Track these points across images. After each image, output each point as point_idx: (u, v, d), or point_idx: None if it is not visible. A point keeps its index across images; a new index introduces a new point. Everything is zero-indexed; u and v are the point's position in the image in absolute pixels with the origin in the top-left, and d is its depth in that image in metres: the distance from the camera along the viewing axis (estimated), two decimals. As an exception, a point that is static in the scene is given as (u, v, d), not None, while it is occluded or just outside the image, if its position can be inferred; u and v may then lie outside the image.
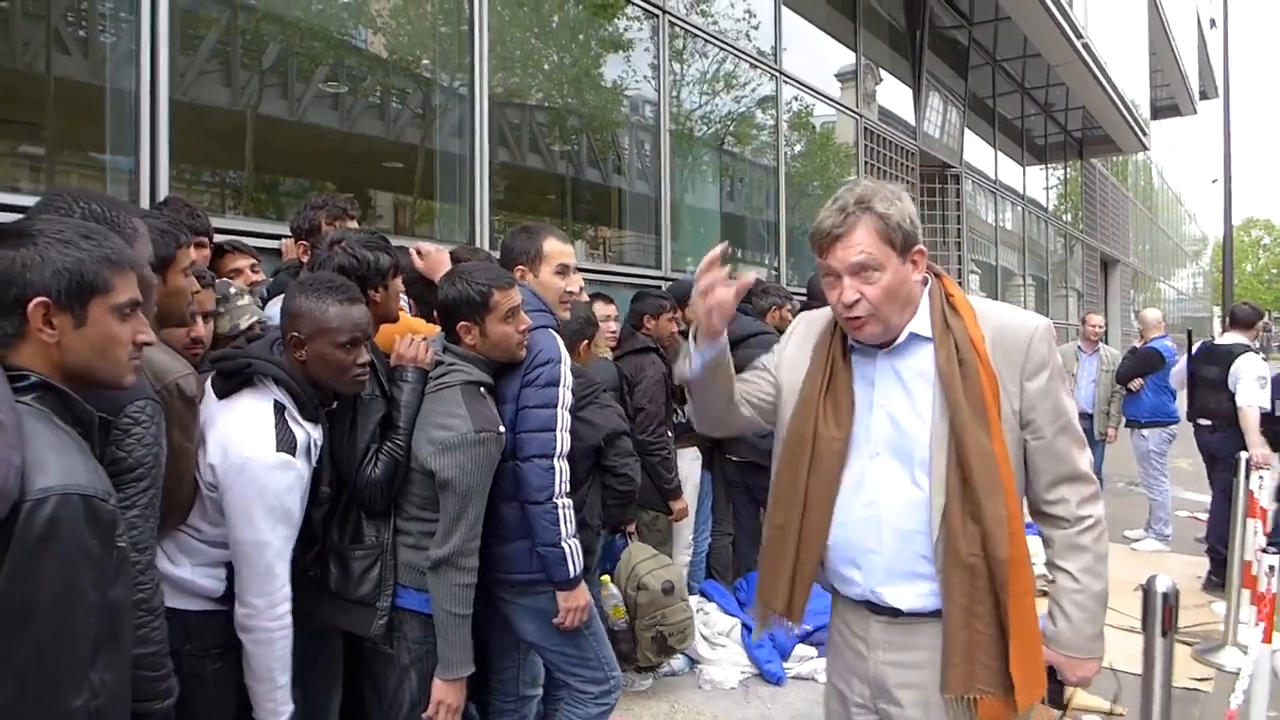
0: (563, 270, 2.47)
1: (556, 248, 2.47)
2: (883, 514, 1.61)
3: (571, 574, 2.22)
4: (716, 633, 4.26)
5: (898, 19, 9.36)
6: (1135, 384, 6.62)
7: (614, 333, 4.20)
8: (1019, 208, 13.56)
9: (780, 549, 1.68)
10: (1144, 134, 15.66)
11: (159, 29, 3.08)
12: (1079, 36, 10.65)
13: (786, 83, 7.22)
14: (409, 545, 2.11)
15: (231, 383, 1.88)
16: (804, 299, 5.45)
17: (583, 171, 5.54)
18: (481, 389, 2.16)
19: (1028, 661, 1.53)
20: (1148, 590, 1.94)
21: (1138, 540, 6.60)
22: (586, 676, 2.35)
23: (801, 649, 4.07)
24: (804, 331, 1.79)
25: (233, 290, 2.33)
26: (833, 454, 1.64)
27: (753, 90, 6.98)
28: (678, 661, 4.00)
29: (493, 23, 4.55)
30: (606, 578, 3.72)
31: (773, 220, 7.22)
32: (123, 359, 1.37)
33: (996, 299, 12.20)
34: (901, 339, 1.63)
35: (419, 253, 2.84)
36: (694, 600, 4.35)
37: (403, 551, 2.11)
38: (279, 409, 1.86)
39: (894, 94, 9.37)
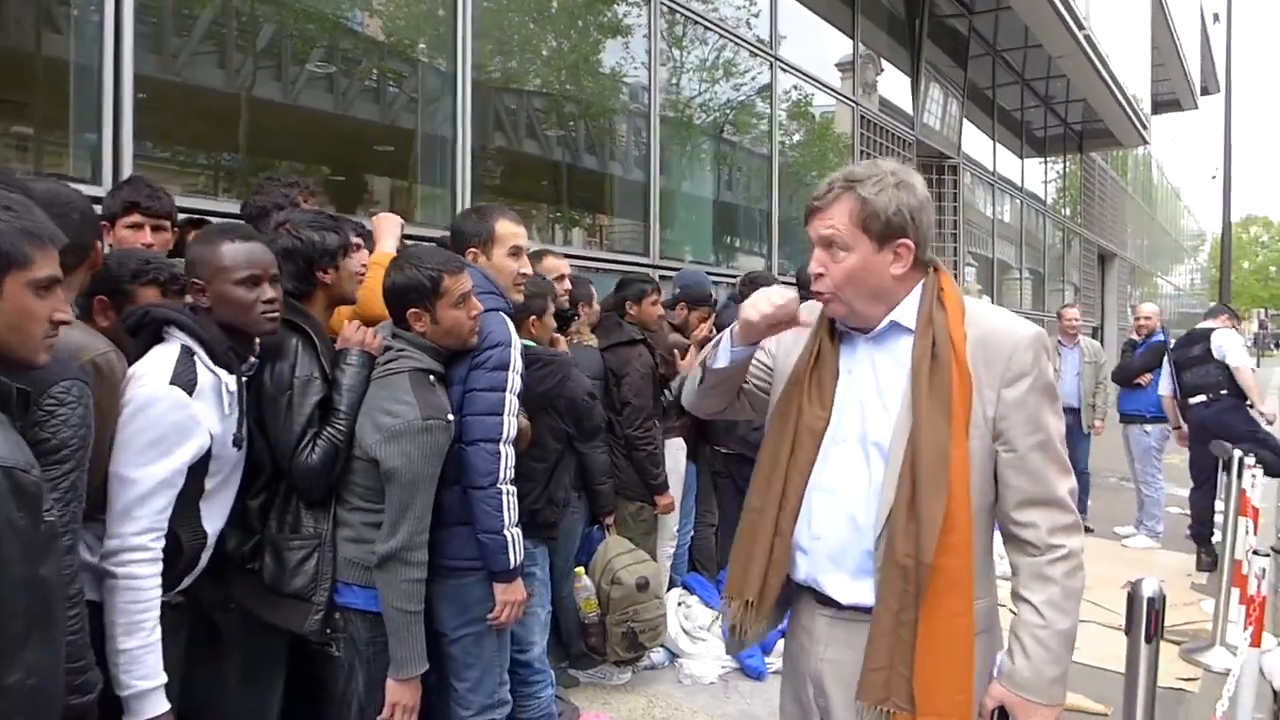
0: (515, 252, 2.43)
1: (509, 229, 2.42)
2: (838, 502, 1.56)
3: (512, 563, 2.15)
4: (698, 626, 4.19)
5: (897, 6, 9.23)
6: (1144, 379, 6.55)
7: (600, 316, 4.10)
8: (1017, 200, 13.46)
9: (754, 534, 1.63)
10: (1144, 128, 15.54)
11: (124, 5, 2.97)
12: (1080, 27, 10.52)
13: (783, 70, 7.10)
14: (350, 539, 2.02)
15: (141, 341, 1.82)
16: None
17: (572, 157, 5.43)
18: (431, 377, 2.07)
19: (938, 686, 1.44)
20: (1133, 594, 1.86)
21: (1128, 537, 6.53)
22: (474, 684, 2.19)
23: (783, 644, 4.00)
24: (804, 318, 1.73)
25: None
26: (812, 434, 1.59)
27: (748, 77, 6.86)
28: (657, 655, 3.95)
29: (477, 4, 4.43)
30: (580, 570, 3.67)
31: (766, 209, 7.11)
32: (37, 336, 1.33)
33: (992, 292, 12.33)
34: (882, 326, 1.57)
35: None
36: (675, 593, 4.30)
37: (344, 546, 2.02)
38: (186, 352, 1.81)
39: (892, 83, 9.25)
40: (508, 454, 2.16)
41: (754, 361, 1.75)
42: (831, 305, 1.57)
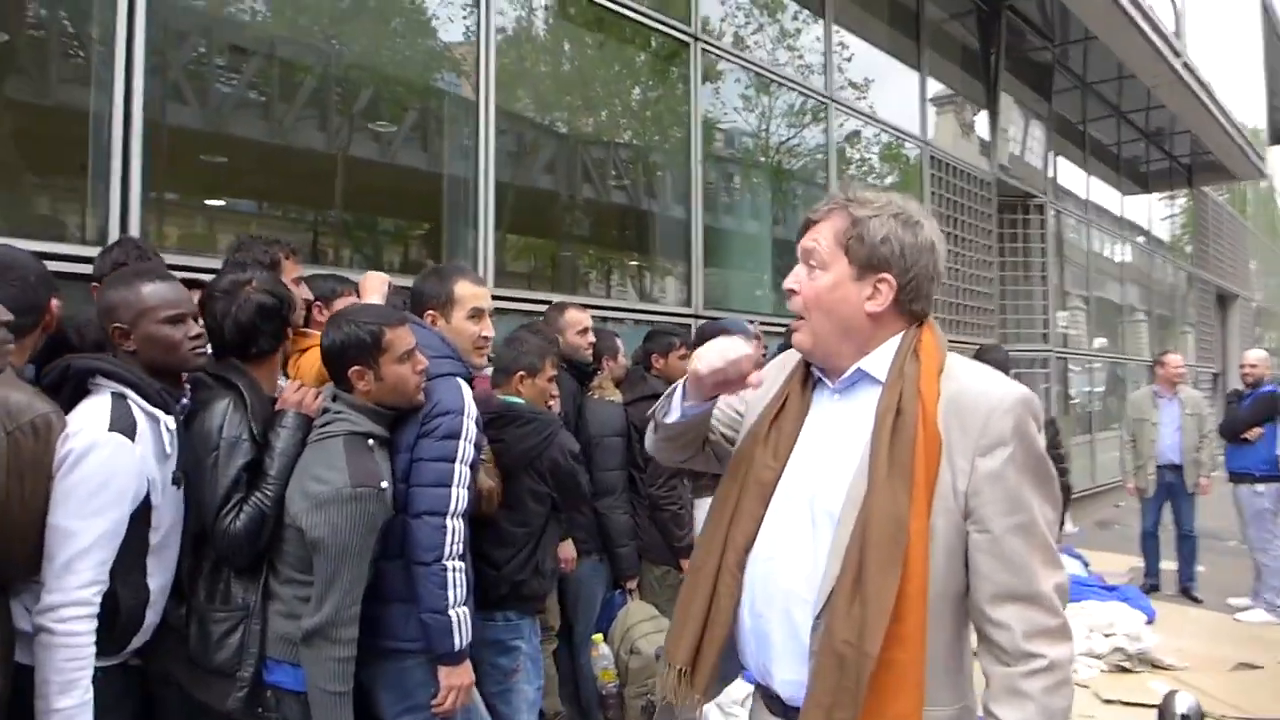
0: (476, 314, 2.33)
1: (469, 290, 2.33)
2: (776, 572, 1.35)
3: (457, 646, 1.99)
4: (730, 700, 3.89)
5: (970, 40, 8.87)
6: (1253, 433, 5.93)
7: (616, 364, 3.94)
8: (1122, 239, 12.67)
9: (691, 596, 1.43)
10: (1261, 159, 14.45)
11: (135, 52, 3.04)
12: (1177, 55, 9.88)
13: (838, 108, 6.87)
14: (281, 613, 1.90)
15: (66, 397, 1.78)
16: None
17: (616, 200, 5.35)
18: (370, 440, 1.95)
19: None
20: (1164, 709, 1.53)
21: (1243, 610, 5.83)
22: None
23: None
24: (783, 361, 1.59)
25: None
26: (761, 486, 1.40)
27: (800, 116, 6.67)
28: (684, 731, 3.66)
29: (501, 41, 4.42)
30: (599, 637, 3.48)
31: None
32: None
33: (1115, 334, 11.59)
34: (849, 375, 1.38)
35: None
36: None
37: (274, 620, 1.90)
38: (119, 398, 1.77)
39: (966, 120, 8.86)
40: (455, 528, 2.02)
41: (724, 409, 1.61)
42: (798, 333, 1.41)
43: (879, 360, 1.36)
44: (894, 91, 7.67)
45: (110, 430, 1.70)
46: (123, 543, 1.72)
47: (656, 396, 3.66)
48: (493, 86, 4.28)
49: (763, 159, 6.47)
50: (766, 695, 1.41)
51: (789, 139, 6.64)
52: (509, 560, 2.56)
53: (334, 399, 2.02)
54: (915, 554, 1.22)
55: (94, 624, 1.66)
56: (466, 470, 2.06)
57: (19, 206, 3.13)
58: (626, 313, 5.09)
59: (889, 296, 1.35)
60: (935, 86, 8.19)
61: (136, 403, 1.78)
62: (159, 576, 1.83)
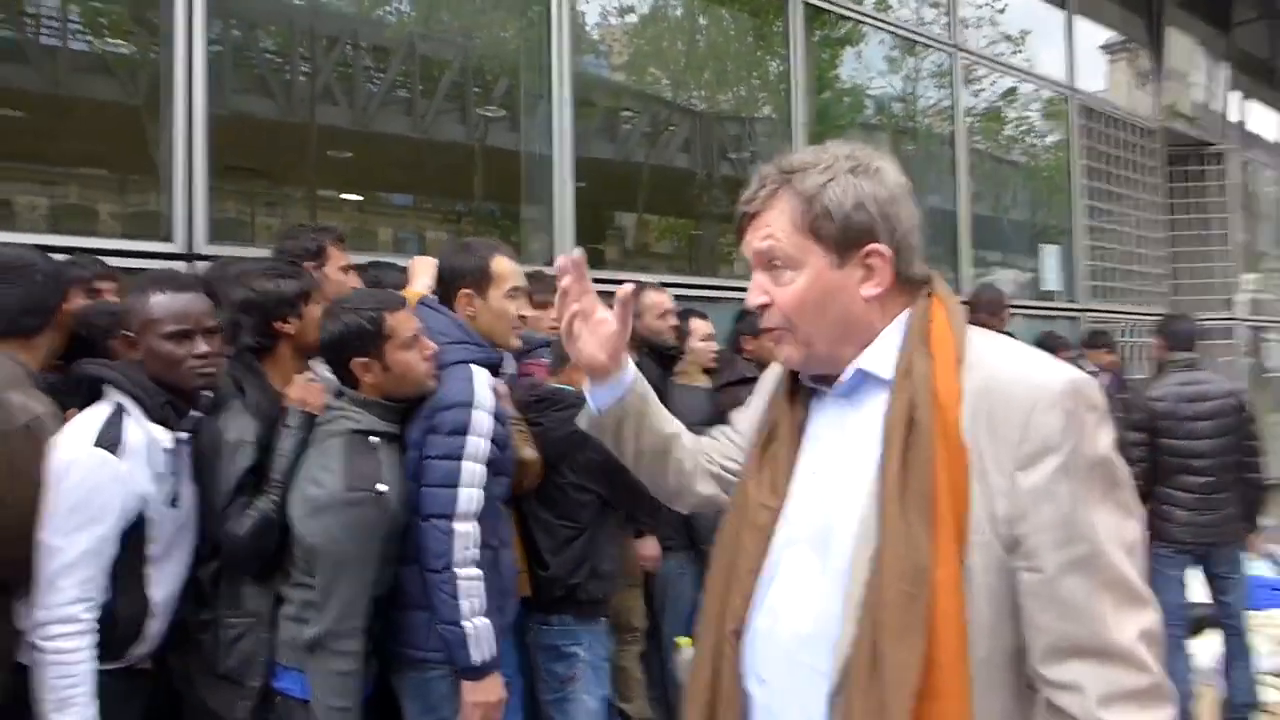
0: (514, 293, 2.12)
1: (508, 266, 2.12)
2: (779, 632, 1.07)
3: (475, 660, 1.84)
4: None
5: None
6: None
7: (716, 353, 3.70)
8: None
9: (695, 671, 1.17)
10: None
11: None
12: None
13: (965, 57, 6.23)
14: (290, 617, 1.82)
15: (82, 399, 1.75)
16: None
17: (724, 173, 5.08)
18: (373, 438, 1.83)
19: None
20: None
21: None
22: None
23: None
24: (779, 373, 1.30)
25: None
26: (757, 531, 1.13)
27: (920, 68, 6.10)
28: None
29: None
30: (685, 641, 3.24)
31: (951, 223, 6.20)
32: None
33: None
34: (848, 376, 1.10)
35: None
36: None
37: (284, 625, 1.82)
38: (118, 410, 1.72)
39: (1124, 63, 7.87)
40: (465, 533, 1.86)
41: (721, 440, 1.39)
42: (784, 348, 1.14)
43: (882, 353, 1.07)
44: (1034, 34, 6.90)
45: (95, 445, 1.65)
46: (120, 555, 1.68)
47: (747, 380, 3.48)
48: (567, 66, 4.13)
49: (879, 118, 5.97)
50: None
51: (908, 94, 6.09)
52: (555, 556, 2.39)
53: (337, 395, 1.91)
54: (945, 611, 0.93)
55: (86, 640, 1.62)
56: (478, 468, 1.89)
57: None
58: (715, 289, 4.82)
59: (887, 270, 1.07)
60: (1085, 26, 7.31)
61: (135, 416, 1.73)
62: (163, 586, 1.79)
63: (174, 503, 1.77)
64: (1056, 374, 0.98)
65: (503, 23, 4.29)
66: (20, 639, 1.65)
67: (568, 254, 1.19)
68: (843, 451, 1.09)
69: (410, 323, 1.87)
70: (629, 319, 1.21)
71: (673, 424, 1.35)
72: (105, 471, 1.65)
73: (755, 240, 1.12)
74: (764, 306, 1.12)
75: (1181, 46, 8.25)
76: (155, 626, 1.79)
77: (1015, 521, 0.95)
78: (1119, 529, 0.94)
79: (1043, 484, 0.94)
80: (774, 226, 1.09)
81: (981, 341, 1.06)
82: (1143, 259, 7.73)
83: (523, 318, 2.17)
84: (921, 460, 0.97)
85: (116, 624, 1.71)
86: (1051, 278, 6.95)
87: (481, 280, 2.10)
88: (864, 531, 1.00)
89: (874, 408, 1.06)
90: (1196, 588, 3.90)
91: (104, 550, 1.66)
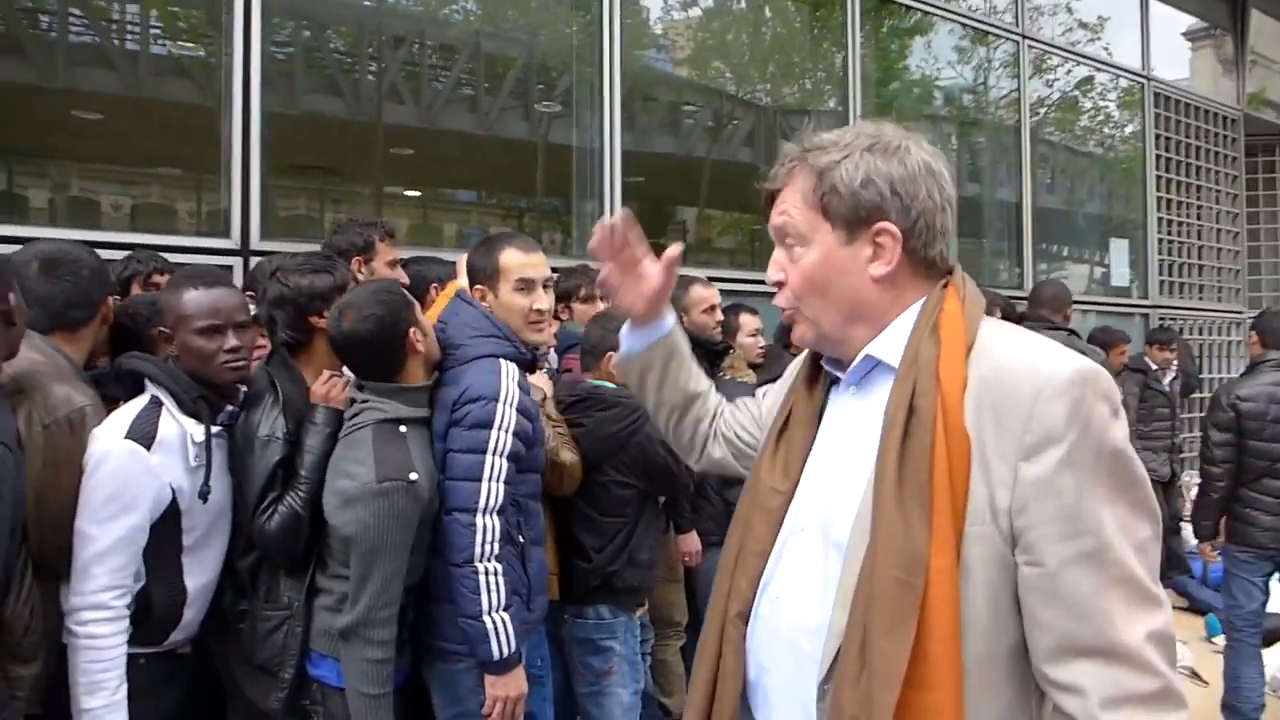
0: (524, 286, 2.09)
1: (516, 259, 2.09)
2: (780, 619, 1.07)
3: (496, 654, 1.84)
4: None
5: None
6: None
7: (763, 349, 3.68)
8: None
9: (699, 654, 1.17)
10: None
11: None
12: None
13: (1032, 45, 6.03)
14: (327, 607, 1.84)
15: (126, 392, 1.81)
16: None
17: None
18: (402, 427, 1.84)
19: None
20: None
21: None
22: None
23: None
24: (804, 356, 1.29)
25: None
26: (768, 514, 1.12)
27: (989, 58, 5.92)
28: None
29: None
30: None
31: (1013, 218, 6.01)
32: None
33: None
34: (857, 362, 1.08)
35: None
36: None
37: (320, 614, 1.85)
38: (155, 403, 1.76)
39: (1205, 50, 7.52)
40: (489, 526, 1.87)
41: (740, 410, 1.43)
42: (797, 327, 1.15)
43: (893, 341, 1.05)
44: (1110, 21, 6.64)
45: (126, 437, 1.68)
46: (155, 544, 1.72)
47: (792, 375, 3.46)
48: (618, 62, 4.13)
49: (947, 110, 5.82)
50: None
51: (973, 85, 5.92)
52: (600, 550, 2.40)
53: (360, 387, 1.93)
54: (938, 601, 0.90)
55: (118, 627, 1.66)
56: (502, 462, 1.89)
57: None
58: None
59: (896, 250, 1.04)
60: (1163, 11, 7.00)
61: (169, 410, 1.77)
62: (200, 575, 1.82)
63: (202, 496, 1.80)
64: (1066, 363, 0.94)
65: (566, 19, 4.32)
66: None
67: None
68: (851, 438, 1.08)
69: (414, 313, 1.93)
70: (672, 278, 1.31)
71: (701, 383, 1.41)
72: (136, 464, 1.69)
73: (774, 217, 1.12)
74: (780, 284, 1.13)
75: (1267, 31, 7.83)
76: (192, 614, 1.83)
77: (1017, 514, 0.92)
78: (1129, 525, 0.90)
79: (1046, 475, 0.91)
80: (788, 203, 1.10)
81: (993, 331, 1.03)
82: (1217, 254, 7.40)
83: (538, 310, 2.13)
84: (920, 447, 0.95)
85: (154, 610, 1.76)
86: (1122, 272, 6.70)
87: (493, 275, 2.10)
88: (861, 519, 0.99)
89: (883, 395, 1.04)
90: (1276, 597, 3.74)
91: (136, 539, 1.70)
